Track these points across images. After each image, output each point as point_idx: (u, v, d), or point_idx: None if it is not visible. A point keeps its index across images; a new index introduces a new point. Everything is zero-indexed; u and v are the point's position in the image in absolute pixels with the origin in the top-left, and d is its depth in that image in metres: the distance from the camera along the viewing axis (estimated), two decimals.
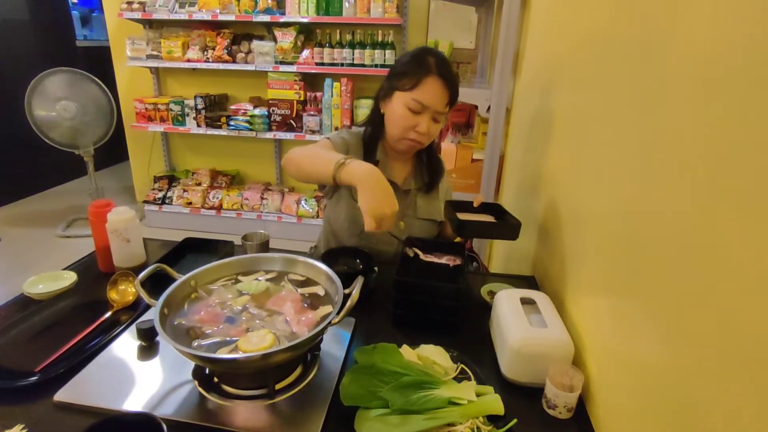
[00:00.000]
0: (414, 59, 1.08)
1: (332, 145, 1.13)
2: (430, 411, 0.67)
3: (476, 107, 1.96)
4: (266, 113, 3.01)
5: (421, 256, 1.06)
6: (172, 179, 3.44)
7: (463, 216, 1.10)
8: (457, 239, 1.27)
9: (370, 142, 1.18)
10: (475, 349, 0.87)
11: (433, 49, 1.10)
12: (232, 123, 3.05)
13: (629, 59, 0.75)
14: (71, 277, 1.04)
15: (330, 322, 0.71)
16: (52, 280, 1.03)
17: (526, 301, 0.89)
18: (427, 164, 1.24)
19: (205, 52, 2.99)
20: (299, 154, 1.03)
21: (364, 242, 1.19)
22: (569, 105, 1.09)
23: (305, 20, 2.78)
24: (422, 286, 0.93)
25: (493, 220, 1.13)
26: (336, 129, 2.95)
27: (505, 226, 1.08)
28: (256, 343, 0.69)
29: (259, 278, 0.88)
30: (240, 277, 0.88)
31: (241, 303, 0.81)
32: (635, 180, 0.68)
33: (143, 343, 0.84)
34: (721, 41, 0.50)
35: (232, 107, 3.08)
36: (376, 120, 1.17)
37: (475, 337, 0.92)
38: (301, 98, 2.97)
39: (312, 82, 3.07)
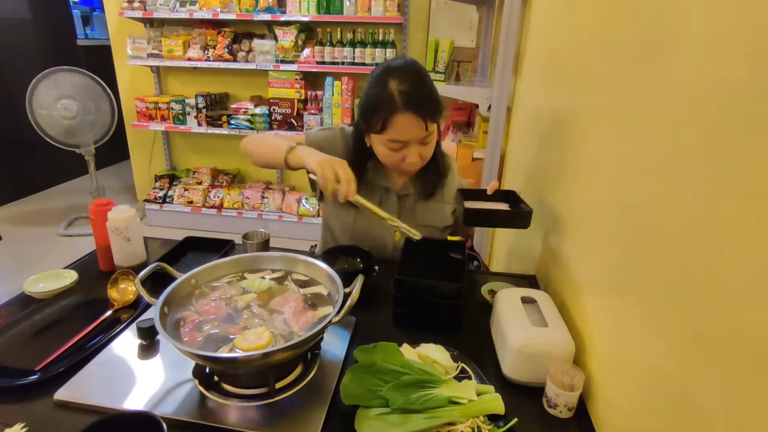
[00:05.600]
0: (376, 88, 0.98)
1: (308, 144, 1.10)
2: (430, 410, 0.67)
3: (477, 106, 1.96)
4: (267, 112, 3.01)
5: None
6: (173, 178, 3.44)
7: (473, 205, 1.04)
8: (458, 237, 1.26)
9: (358, 159, 1.11)
10: (475, 348, 0.87)
11: (394, 69, 0.98)
12: (232, 122, 3.05)
13: (630, 57, 0.74)
14: (72, 276, 1.04)
15: (330, 321, 0.71)
16: (52, 278, 1.03)
17: (527, 300, 0.88)
18: (429, 166, 1.12)
19: (206, 51, 2.99)
20: (251, 142, 1.13)
21: (358, 243, 1.17)
22: (570, 103, 1.09)
23: (306, 19, 2.78)
24: (423, 284, 0.92)
25: (507, 208, 1.05)
26: None
27: (515, 213, 1.01)
28: (252, 341, 0.69)
29: (265, 277, 0.88)
30: (246, 275, 0.89)
31: (246, 300, 0.81)
32: (637, 179, 0.68)
33: (143, 342, 0.84)
34: (722, 39, 0.50)
35: (233, 106, 3.08)
36: (361, 144, 1.10)
37: (475, 336, 0.92)
38: (302, 97, 2.97)
39: (313, 80, 3.07)
